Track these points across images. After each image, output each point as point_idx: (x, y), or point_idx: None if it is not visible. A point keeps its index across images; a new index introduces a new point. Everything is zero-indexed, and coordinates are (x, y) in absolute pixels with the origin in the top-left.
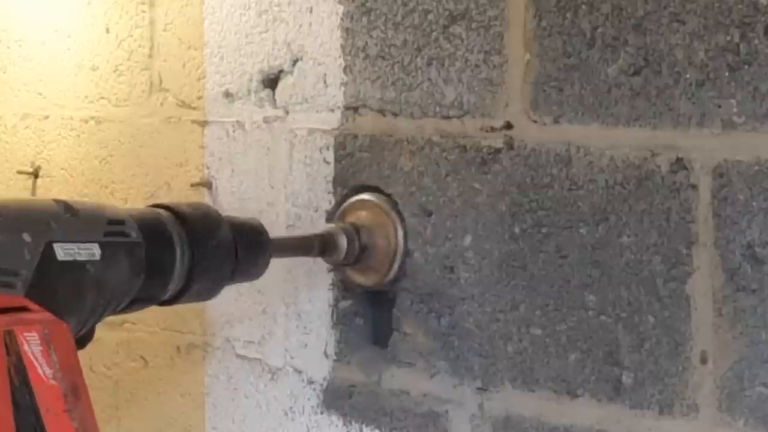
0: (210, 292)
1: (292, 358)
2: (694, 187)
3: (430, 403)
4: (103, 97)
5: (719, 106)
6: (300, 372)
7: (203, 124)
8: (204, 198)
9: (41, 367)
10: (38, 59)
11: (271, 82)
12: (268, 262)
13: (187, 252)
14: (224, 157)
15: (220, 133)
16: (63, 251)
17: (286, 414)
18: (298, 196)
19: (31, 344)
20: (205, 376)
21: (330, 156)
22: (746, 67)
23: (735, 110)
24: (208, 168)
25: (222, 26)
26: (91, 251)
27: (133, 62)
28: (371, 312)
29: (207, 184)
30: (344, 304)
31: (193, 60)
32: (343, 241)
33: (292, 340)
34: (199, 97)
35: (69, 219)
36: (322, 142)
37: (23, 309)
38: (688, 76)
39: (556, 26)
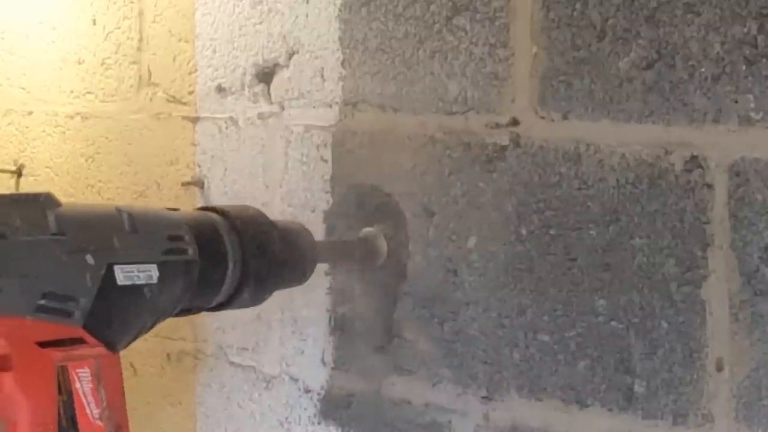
0: (256, 300)
1: (287, 365)
2: (709, 186)
3: (432, 412)
4: (89, 92)
5: (736, 101)
6: (296, 380)
7: (194, 120)
8: (196, 198)
9: (89, 406)
10: (21, 52)
11: (266, 76)
12: (314, 268)
13: (238, 264)
14: (217, 155)
15: (213, 130)
16: (123, 275)
17: (281, 424)
18: (294, 196)
19: (82, 381)
20: (196, 384)
21: (327, 154)
22: (764, 60)
23: (752, 105)
24: (199, 166)
25: (214, 18)
26: (150, 273)
27: (120, 55)
28: (371, 317)
29: (199, 183)
30: (342, 308)
31: (184, 53)
32: (383, 245)
33: (288, 347)
34: (191, 92)
35: (131, 236)
36: (319, 139)
37: (78, 340)
38: (703, 69)
39: (565, 17)
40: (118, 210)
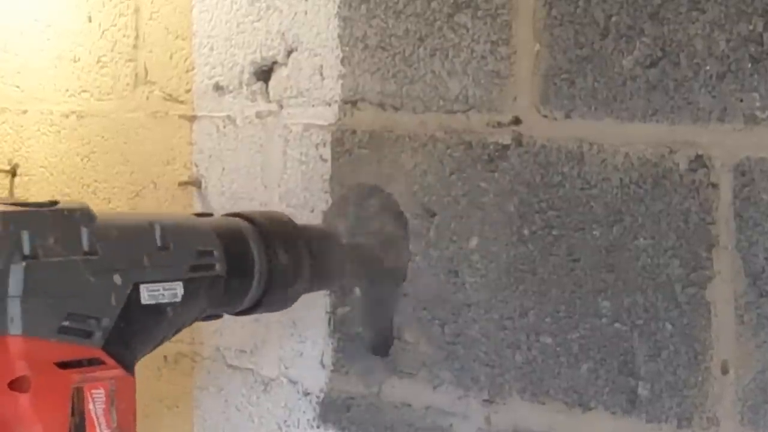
0: (281, 306)
1: (286, 368)
2: (714, 186)
3: (433, 416)
4: (85, 91)
5: (741, 100)
6: (295, 383)
7: (192, 119)
8: (192, 197)
9: (99, 427)
10: (16, 50)
11: (264, 74)
12: (345, 272)
13: (264, 275)
14: (214, 155)
15: (210, 129)
16: (148, 294)
17: (280, 428)
18: (292, 196)
19: (96, 402)
20: (194, 387)
21: (327, 153)
22: None
23: (758, 104)
24: (196, 166)
25: (212, 15)
26: (174, 291)
27: (117, 53)
28: (371, 319)
29: (196, 183)
30: (342, 310)
31: (181, 51)
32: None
33: (287, 349)
34: (188, 91)
35: (161, 252)
36: (318, 139)
37: (96, 360)
38: (708, 67)
39: (568, 15)
40: (151, 224)
